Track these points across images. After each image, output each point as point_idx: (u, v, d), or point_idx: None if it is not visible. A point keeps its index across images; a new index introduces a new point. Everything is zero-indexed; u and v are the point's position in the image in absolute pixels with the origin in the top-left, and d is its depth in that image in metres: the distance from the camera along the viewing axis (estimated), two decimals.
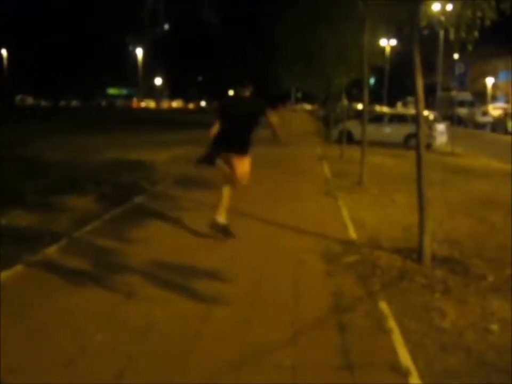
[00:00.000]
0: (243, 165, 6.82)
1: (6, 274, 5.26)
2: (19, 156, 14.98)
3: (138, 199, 9.36)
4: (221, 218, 6.86)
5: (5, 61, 67.85)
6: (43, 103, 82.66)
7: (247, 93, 6.99)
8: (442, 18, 7.03)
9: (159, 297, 4.81)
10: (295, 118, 52.73)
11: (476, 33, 6.72)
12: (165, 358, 3.69)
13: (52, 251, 6.09)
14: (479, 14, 6.45)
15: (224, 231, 6.87)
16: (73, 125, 33.39)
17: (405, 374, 3.53)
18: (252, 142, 7.00)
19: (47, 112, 58.33)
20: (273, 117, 7.03)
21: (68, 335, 4.01)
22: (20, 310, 4.47)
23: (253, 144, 7.00)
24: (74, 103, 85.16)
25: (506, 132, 33.07)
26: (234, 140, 6.80)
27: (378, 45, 19.04)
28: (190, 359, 3.68)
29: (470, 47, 6.92)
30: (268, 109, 6.98)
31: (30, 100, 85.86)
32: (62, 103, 79.97)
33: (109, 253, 6.11)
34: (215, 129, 6.84)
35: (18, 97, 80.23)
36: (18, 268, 5.47)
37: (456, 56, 22.09)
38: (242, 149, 6.86)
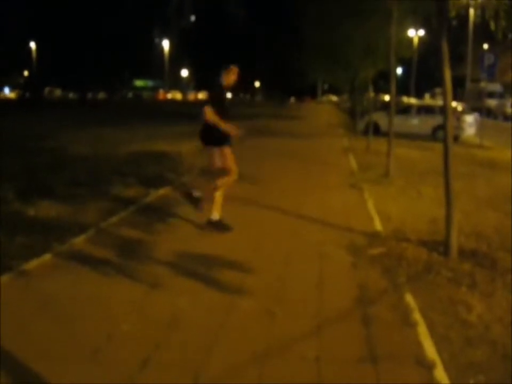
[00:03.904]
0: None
1: (34, 263, 5.35)
2: (47, 148, 15.18)
3: (164, 190, 9.42)
4: (216, 215, 6.83)
5: (34, 54, 68.66)
6: (71, 95, 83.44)
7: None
8: (471, 8, 6.93)
9: (184, 287, 4.85)
10: (320, 110, 52.54)
11: None
12: (189, 348, 3.72)
13: (79, 241, 6.17)
14: None
15: (220, 226, 6.83)
16: (100, 117, 33.68)
17: (430, 367, 3.50)
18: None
19: (74, 104, 58.97)
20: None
21: (95, 324, 4.07)
22: (47, 299, 4.54)
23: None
24: (101, 95, 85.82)
25: None
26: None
27: (405, 36, 18.82)
28: (214, 350, 3.71)
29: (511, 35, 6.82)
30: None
31: (58, 92, 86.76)
32: (89, 95, 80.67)
33: (135, 243, 6.18)
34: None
35: (46, 90, 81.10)
36: (47, 257, 5.56)
37: (485, 46, 21.77)
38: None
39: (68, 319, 4.15)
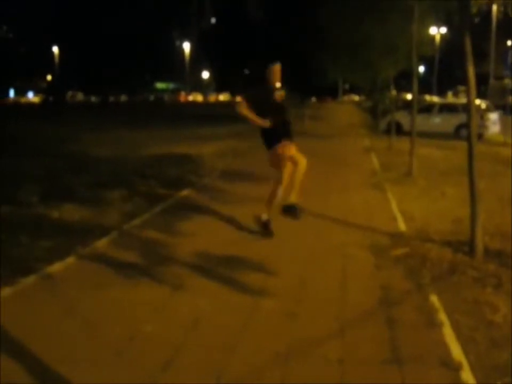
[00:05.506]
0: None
1: (58, 266, 5.40)
2: (69, 151, 15.33)
3: (186, 192, 9.45)
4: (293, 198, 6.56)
5: (56, 58, 69.43)
6: (93, 98, 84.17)
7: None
8: (494, 5, 6.84)
9: (206, 289, 4.85)
10: (341, 109, 52.30)
11: None
12: (212, 349, 3.71)
13: (102, 244, 6.21)
14: None
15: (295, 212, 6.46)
16: (122, 119, 33.91)
17: (456, 368, 3.45)
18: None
19: (96, 108, 59.48)
20: None
21: (118, 326, 4.08)
22: (71, 301, 4.57)
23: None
24: (122, 98, 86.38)
25: None
26: None
27: (427, 34, 18.62)
28: (237, 351, 3.70)
29: None
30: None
31: (80, 96, 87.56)
32: (111, 98, 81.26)
33: (158, 246, 6.19)
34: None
35: (69, 94, 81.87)
36: (70, 259, 5.61)
37: (509, 43, 21.51)
38: None
39: (91, 321, 4.17)
